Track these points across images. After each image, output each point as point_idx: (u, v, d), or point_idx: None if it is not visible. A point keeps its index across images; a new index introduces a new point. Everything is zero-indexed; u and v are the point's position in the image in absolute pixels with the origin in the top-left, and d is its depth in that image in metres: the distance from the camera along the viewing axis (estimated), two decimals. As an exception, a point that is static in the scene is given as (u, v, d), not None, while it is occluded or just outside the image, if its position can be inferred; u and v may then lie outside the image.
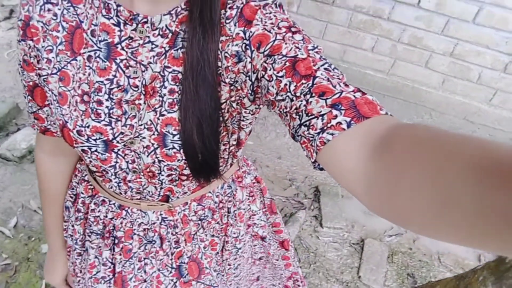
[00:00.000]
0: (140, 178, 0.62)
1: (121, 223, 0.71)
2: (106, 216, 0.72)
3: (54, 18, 0.54)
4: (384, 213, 0.32)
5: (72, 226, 0.78)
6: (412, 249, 1.96)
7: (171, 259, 0.74)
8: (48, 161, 0.75)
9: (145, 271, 0.73)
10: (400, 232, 2.02)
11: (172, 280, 0.74)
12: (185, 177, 0.62)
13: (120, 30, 0.51)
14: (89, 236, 0.75)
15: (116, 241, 0.72)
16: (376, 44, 2.23)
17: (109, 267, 0.74)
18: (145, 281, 0.73)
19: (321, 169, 0.42)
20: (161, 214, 0.70)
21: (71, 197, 0.79)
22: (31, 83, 0.61)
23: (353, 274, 1.79)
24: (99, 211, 0.72)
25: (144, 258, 0.73)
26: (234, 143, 0.63)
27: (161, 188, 0.64)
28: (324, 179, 2.29)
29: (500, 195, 0.21)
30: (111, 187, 0.66)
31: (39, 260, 1.64)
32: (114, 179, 0.63)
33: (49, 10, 0.53)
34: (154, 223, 0.71)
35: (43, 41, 0.55)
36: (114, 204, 0.71)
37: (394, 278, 1.81)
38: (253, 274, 0.94)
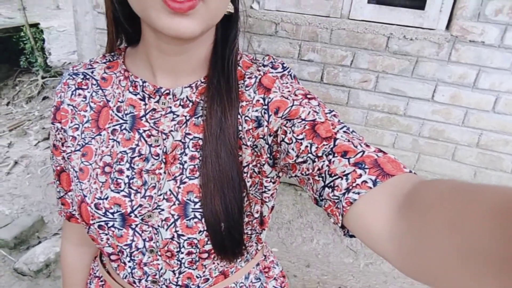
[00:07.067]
0: (157, 259, 0.57)
1: None
2: None
3: (84, 100, 0.58)
4: (414, 273, 0.31)
5: None
6: None
7: None
8: (74, 252, 0.75)
9: None
10: None
11: None
12: (206, 255, 0.57)
13: (145, 104, 0.55)
14: None
15: None
16: (396, 140, 2.22)
17: None
18: None
19: (352, 236, 0.41)
20: None
21: None
22: (58, 168, 0.64)
23: None
24: None
25: None
26: (257, 216, 0.60)
27: (180, 273, 0.59)
28: (360, 288, 2.04)
29: None
30: (125, 276, 0.61)
31: None
32: (129, 262, 0.59)
33: (79, 94, 0.59)
34: None
35: (71, 122, 0.58)
36: None
37: None
38: None
